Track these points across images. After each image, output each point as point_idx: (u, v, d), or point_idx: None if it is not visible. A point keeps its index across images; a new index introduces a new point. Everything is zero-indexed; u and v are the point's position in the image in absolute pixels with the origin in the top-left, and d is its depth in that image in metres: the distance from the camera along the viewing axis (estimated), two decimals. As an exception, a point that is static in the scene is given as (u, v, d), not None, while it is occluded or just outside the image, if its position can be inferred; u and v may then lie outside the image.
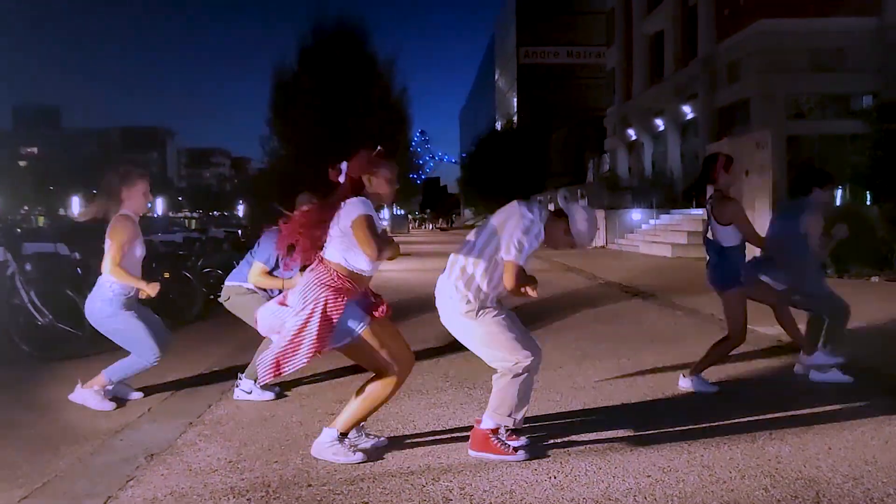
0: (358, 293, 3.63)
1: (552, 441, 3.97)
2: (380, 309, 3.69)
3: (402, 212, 71.77)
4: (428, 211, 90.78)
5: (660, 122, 30.97)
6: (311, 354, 3.47)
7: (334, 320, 3.49)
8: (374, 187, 3.63)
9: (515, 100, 66.06)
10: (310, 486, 3.39)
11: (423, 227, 77.10)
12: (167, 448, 3.98)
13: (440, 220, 79.23)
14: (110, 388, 4.89)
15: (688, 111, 28.03)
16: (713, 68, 25.81)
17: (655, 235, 21.17)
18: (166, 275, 8.52)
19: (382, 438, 3.99)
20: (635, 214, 24.32)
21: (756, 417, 4.35)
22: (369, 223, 3.47)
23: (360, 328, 3.56)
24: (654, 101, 31.12)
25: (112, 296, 4.73)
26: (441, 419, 4.45)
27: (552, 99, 61.09)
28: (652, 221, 23.11)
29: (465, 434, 4.02)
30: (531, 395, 3.76)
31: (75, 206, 69.68)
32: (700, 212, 18.87)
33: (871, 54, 22.49)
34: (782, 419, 4.30)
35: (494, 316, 3.68)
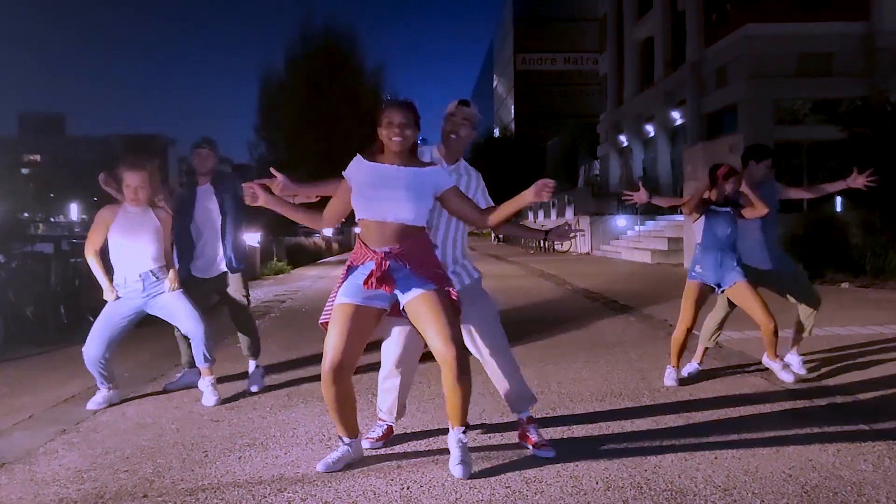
0: (366, 253, 3.31)
1: (423, 449, 3.76)
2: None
3: None
4: None
5: (650, 128, 30.73)
6: (327, 315, 3.36)
7: (339, 283, 3.38)
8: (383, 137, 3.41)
9: (513, 107, 65.88)
10: (145, 496, 3.18)
11: None
12: (23, 457, 3.76)
13: None
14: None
15: (677, 117, 27.82)
16: (701, 74, 25.61)
17: (638, 242, 20.92)
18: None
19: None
20: (620, 221, 24.05)
21: (655, 420, 4.10)
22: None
23: (337, 301, 3.33)
24: (645, 106, 30.91)
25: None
26: (325, 426, 4.23)
27: (548, 105, 60.92)
28: (637, 228, 22.86)
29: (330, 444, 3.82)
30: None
31: (73, 213, 69.76)
32: (681, 218, 18.61)
33: (860, 59, 22.27)
34: (683, 424, 4.05)
35: None
